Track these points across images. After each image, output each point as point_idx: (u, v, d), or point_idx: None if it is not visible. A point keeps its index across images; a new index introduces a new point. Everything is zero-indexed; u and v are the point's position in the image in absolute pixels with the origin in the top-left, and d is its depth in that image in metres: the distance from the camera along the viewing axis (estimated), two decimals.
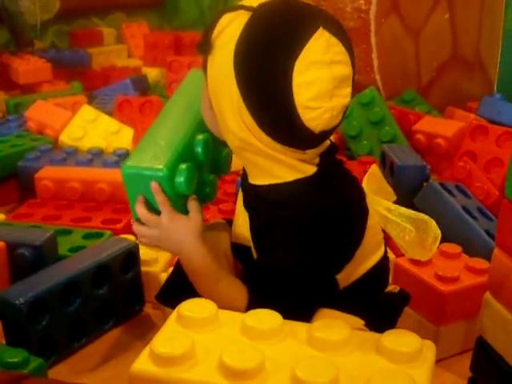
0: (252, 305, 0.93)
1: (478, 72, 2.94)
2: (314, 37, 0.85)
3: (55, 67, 3.12)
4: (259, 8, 0.89)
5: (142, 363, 0.80)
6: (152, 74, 3.23)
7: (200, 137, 1.01)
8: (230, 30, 0.89)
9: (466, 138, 2.00)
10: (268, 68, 0.86)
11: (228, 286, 0.97)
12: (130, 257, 1.28)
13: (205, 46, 0.91)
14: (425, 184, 1.79)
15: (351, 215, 0.97)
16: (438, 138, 2.15)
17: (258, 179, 0.97)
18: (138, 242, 1.05)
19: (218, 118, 0.94)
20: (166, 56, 3.06)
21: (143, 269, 1.36)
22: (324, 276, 0.97)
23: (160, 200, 0.96)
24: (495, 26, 2.95)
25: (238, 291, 0.96)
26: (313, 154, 0.95)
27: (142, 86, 2.95)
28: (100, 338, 1.28)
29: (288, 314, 0.90)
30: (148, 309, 1.38)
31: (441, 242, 1.47)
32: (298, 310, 0.94)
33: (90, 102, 2.62)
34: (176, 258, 1.18)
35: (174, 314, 0.86)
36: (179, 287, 1.09)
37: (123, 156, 2.03)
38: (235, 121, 0.91)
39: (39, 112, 2.34)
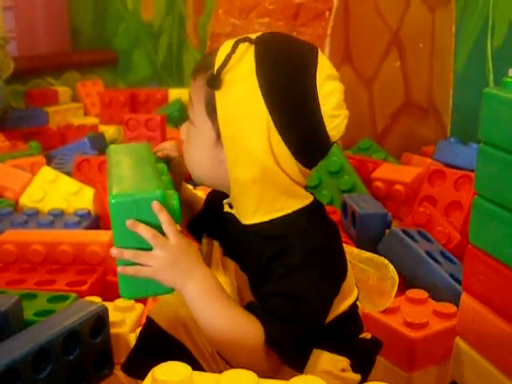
0: (270, 331, 0.91)
1: (432, 116, 3.00)
2: (319, 56, 0.95)
3: (12, 127, 3.13)
4: (260, 40, 0.95)
5: None
6: (109, 131, 3.22)
7: (165, 177, 1.01)
8: (242, 64, 0.94)
9: (425, 183, 2.03)
10: (296, 87, 0.93)
11: (243, 312, 0.92)
12: (99, 321, 1.27)
13: (215, 82, 0.93)
14: (387, 231, 1.81)
15: (341, 243, 1.02)
16: (396, 184, 2.18)
17: (256, 217, 0.97)
18: (121, 272, 0.91)
19: (231, 150, 0.95)
20: (123, 113, 3.07)
21: (111, 330, 1.34)
22: (331, 300, 0.98)
23: (165, 219, 0.89)
24: (446, 71, 3.02)
25: (252, 319, 0.92)
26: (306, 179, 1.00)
27: (100, 144, 2.95)
28: None
29: (302, 340, 0.93)
30: (117, 370, 1.36)
31: (406, 288, 1.50)
32: (312, 335, 0.95)
33: (48, 163, 2.61)
34: (143, 320, 1.17)
35: (148, 379, 0.85)
36: (145, 357, 1.07)
37: (84, 216, 2.02)
38: (262, 145, 0.93)
39: None
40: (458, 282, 1.56)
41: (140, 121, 2.80)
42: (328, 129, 0.94)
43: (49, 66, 4.11)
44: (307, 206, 0.98)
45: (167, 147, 1.10)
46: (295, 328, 0.93)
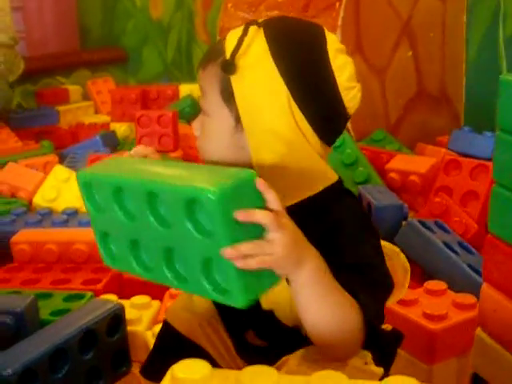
0: (364, 306, 0.88)
1: (445, 106, 2.98)
2: (326, 32, 0.96)
3: (23, 127, 3.12)
4: (268, 22, 0.96)
5: None
6: (121, 129, 3.22)
7: None
8: (254, 46, 0.93)
9: (440, 174, 2.01)
10: (311, 62, 0.93)
11: (346, 296, 0.87)
12: (116, 319, 1.26)
13: (231, 66, 0.93)
14: (404, 223, 1.80)
15: None
16: (411, 175, 2.16)
17: (286, 200, 0.92)
18: (243, 266, 0.78)
19: (254, 133, 0.94)
20: (134, 110, 3.06)
21: (128, 328, 1.34)
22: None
23: (273, 197, 0.80)
24: (458, 60, 3.00)
25: (351, 301, 0.87)
26: None
27: (112, 141, 2.95)
28: None
29: (383, 305, 0.93)
30: (135, 369, 1.35)
31: (425, 279, 1.49)
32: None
33: (60, 161, 2.61)
34: (161, 317, 1.15)
35: (167, 377, 0.84)
36: (164, 360, 1.06)
37: None
38: (286, 122, 0.92)
39: (11, 175, 2.32)
40: (477, 272, 1.55)
41: (152, 117, 2.79)
42: (345, 101, 0.94)
43: (59, 65, 4.11)
44: (335, 183, 0.98)
45: (145, 152, 1.01)
46: (381, 295, 0.93)
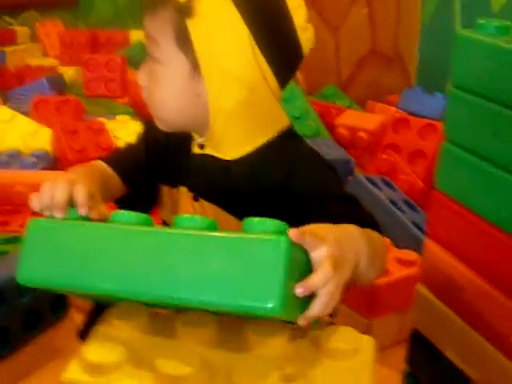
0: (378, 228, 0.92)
1: (397, 65, 2.98)
2: None
3: None
4: None
5: (73, 372, 0.76)
6: (68, 72, 3.14)
7: None
8: None
9: (389, 131, 2.02)
10: (269, 2, 0.93)
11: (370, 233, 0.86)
12: None
13: (188, 9, 0.90)
14: (350, 178, 1.79)
15: None
16: (360, 131, 2.16)
17: (243, 147, 0.95)
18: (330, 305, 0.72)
19: (213, 78, 0.92)
20: (83, 54, 3.00)
21: None
22: None
23: (311, 239, 0.71)
24: (412, 20, 3.00)
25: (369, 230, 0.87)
26: None
27: (59, 85, 2.88)
28: (25, 347, 1.24)
29: None
30: (73, 313, 1.34)
31: None
32: None
33: (4, 103, 2.54)
34: None
35: (103, 317, 0.82)
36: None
37: (42, 157, 1.97)
38: (248, 64, 0.91)
39: None
40: (421, 230, 1.56)
41: (100, 61, 2.75)
42: (302, 41, 0.94)
43: (6, 5, 3.99)
44: (287, 126, 0.98)
45: (64, 195, 0.84)
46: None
